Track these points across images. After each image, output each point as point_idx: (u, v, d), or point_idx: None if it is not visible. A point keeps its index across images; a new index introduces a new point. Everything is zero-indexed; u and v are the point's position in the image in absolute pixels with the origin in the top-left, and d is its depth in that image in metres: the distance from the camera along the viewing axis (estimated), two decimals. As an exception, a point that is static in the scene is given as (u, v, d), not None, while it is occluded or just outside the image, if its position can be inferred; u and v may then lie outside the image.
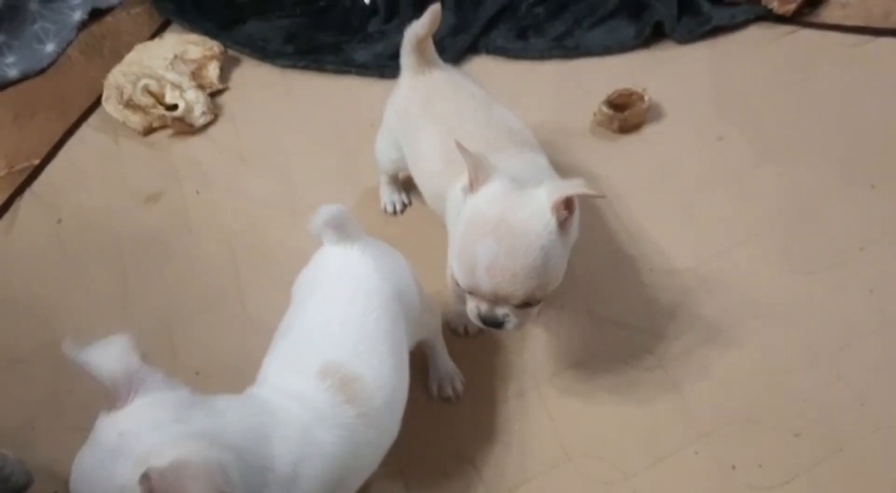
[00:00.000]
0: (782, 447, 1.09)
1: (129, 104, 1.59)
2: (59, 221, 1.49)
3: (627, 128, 1.50)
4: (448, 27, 1.73)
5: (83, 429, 0.77)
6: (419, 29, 1.17)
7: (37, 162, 1.59)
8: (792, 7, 1.65)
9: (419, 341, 1.12)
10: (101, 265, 1.40)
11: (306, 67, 1.71)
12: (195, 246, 1.42)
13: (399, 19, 1.77)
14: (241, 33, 1.78)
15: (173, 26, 1.84)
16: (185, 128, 1.59)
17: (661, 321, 1.24)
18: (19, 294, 1.38)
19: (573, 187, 0.94)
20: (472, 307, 1.00)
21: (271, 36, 1.77)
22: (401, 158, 1.27)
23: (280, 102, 1.68)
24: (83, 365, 0.74)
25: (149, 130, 1.61)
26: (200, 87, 1.64)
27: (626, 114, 1.48)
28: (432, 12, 1.15)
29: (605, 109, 1.49)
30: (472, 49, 1.70)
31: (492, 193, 0.95)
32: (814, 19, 1.69)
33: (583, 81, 1.63)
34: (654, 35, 1.68)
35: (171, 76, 1.61)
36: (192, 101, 1.59)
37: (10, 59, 1.78)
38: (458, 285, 1.16)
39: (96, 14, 1.89)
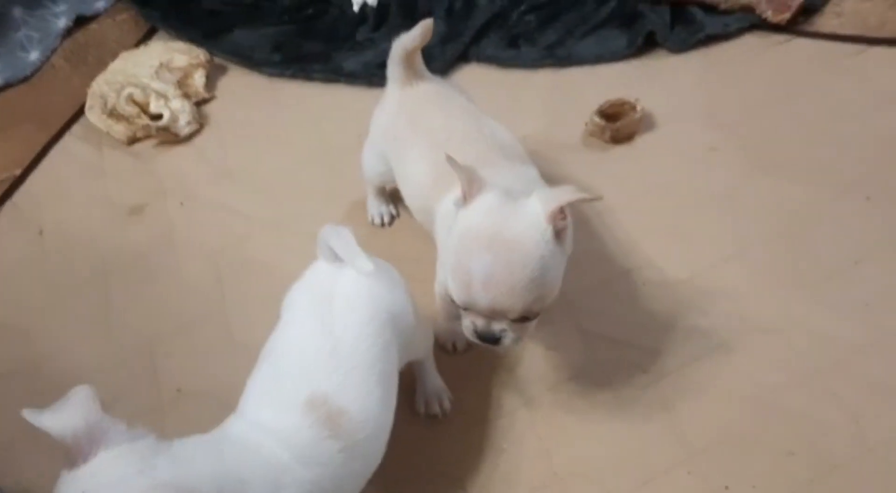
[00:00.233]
0: (776, 467, 1.07)
1: (113, 113, 1.56)
2: (40, 233, 1.46)
3: (619, 138, 1.48)
4: (438, 36, 1.70)
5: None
6: (408, 42, 1.15)
7: (18, 172, 1.56)
8: (786, 16, 1.63)
9: (413, 360, 1.10)
10: (83, 279, 1.38)
11: (293, 76, 1.69)
12: (178, 260, 1.39)
13: (388, 27, 1.75)
14: (227, 41, 1.76)
15: (159, 34, 1.82)
16: (170, 138, 1.57)
17: (652, 337, 1.21)
18: (-3, 308, 1.36)
19: (567, 194, 0.92)
20: (468, 324, 0.97)
21: (258, 44, 1.75)
22: (388, 171, 1.25)
23: (267, 111, 1.65)
24: (44, 430, 0.72)
25: (133, 140, 1.58)
26: (186, 96, 1.62)
27: (618, 124, 1.46)
28: (424, 26, 1.13)
29: (596, 120, 1.47)
30: (463, 58, 1.68)
31: (485, 205, 0.92)
32: (808, 28, 1.68)
33: (574, 91, 1.61)
34: (646, 44, 1.67)
35: (156, 85, 1.59)
36: (177, 110, 1.56)
37: (-7, 67, 1.76)
38: (447, 300, 1.14)
39: (81, 21, 1.87)
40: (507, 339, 0.96)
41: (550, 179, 1.42)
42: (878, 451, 1.07)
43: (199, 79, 1.65)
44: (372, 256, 1.01)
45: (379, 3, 1.79)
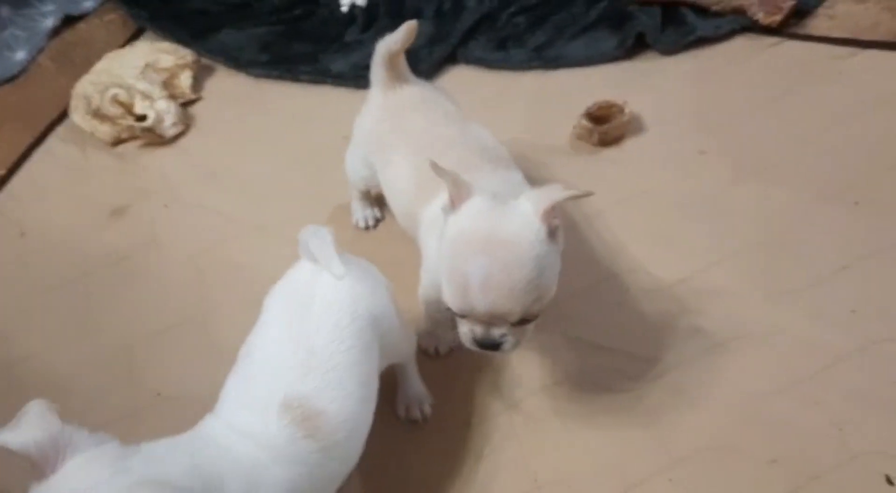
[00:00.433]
0: (758, 475, 1.05)
1: (98, 114, 1.55)
2: (23, 234, 1.45)
3: (607, 141, 1.47)
4: (426, 37, 1.69)
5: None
6: (392, 44, 1.14)
7: (2, 173, 1.55)
8: (778, 18, 1.62)
9: (391, 363, 1.08)
10: (63, 281, 1.37)
11: (280, 77, 1.68)
12: (161, 262, 1.38)
13: (377, 28, 1.74)
14: (215, 42, 1.75)
15: (146, 34, 1.81)
16: (155, 139, 1.56)
17: (636, 343, 1.20)
18: (-22, 310, 1.35)
19: (557, 193, 0.90)
20: (466, 332, 0.95)
21: (246, 45, 1.74)
22: (372, 175, 1.23)
23: (253, 112, 1.64)
24: (5, 447, 0.70)
25: (117, 141, 1.57)
26: (172, 96, 1.61)
27: (605, 127, 1.45)
28: (408, 28, 1.11)
29: (584, 122, 1.46)
30: (451, 59, 1.67)
31: (475, 209, 0.91)
32: (800, 31, 1.66)
33: (563, 93, 1.59)
34: (637, 46, 1.65)
35: (141, 85, 1.57)
36: (162, 111, 1.55)
37: (-21, 66, 1.75)
38: (431, 305, 1.13)
39: (69, 21, 1.86)
40: (508, 344, 0.94)
41: (537, 182, 1.40)
42: (860, 459, 1.05)
43: (185, 80, 1.64)
44: (355, 257, 1.00)
45: (368, 4, 1.78)
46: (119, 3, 1.85)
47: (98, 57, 1.70)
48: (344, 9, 1.79)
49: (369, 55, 1.62)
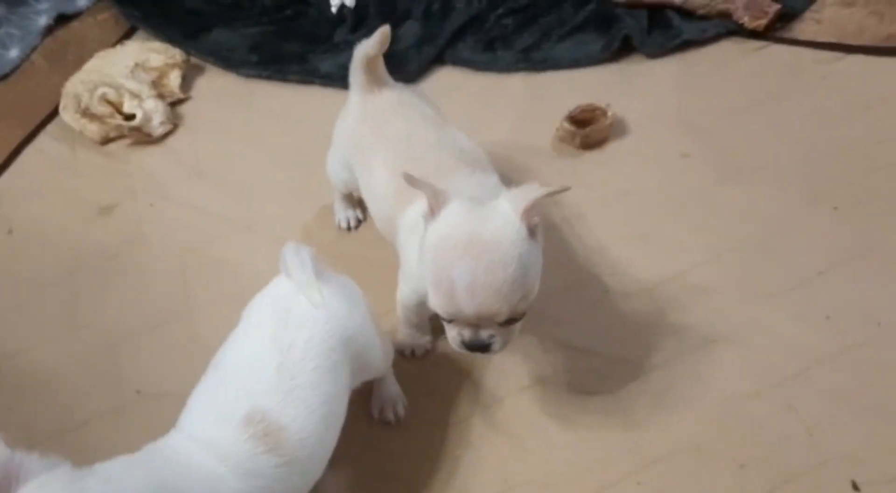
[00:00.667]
0: (727, 479, 1.06)
1: (87, 113, 1.57)
2: (10, 231, 1.47)
3: (590, 144, 1.48)
4: (414, 38, 1.71)
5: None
6: (369, 49, 1.15)
7: (-8, 170, 1.57)
8: (763, 22, 1.62)
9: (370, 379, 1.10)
10: (50, 278, 1.38)
11: (270, 77, 1.69)
12: (147, 261, 1.40)
13: (366, 29, 1.74)
14: (206, 41, 1.76)
15: (138, 33, 1.82)
16: (143, 138, 1.57)
17: (613, 345, 1.21)
18: (-35, 306, 1.37)
19: (535, 191, 0.92)
20: (455, 335, 0.96)
21: (237, 45, 1.75)
22: (352, 178, 1.24)
23: (242, 112, 1.66)
24: None
25: (106, 140, 1.59)
26: (161, 96, 1.62)
27: (587, 130, 1.46)
28: (381, 33, 1.13)
29: (566, 125, 1.46)
30: (438, 60, 1.68)
31: (454, 213, 0.93)
32: (786, 34, 1.66)
33: (549, 95, 1.60)
34: (624, 49, 1.66)
35: (130, 85, 1.59)
36: (150, 110, 1.57)
37: (-27, 64, 1.77)
38: (410, 308, 1.14)
39: (62, 19, 1.87)
40: (497, 344, 0.96)
41: (518, 183, 1.41)
42: (830, 464, 1.06)
43: (174, 79, 1.65)
44: (336, 274, 1.02)
45: (357, 5, 1.79)
46: (112, 2, 1.87)
47: (90, 55, 1.71)
48: (333, 10, 1.80)
49: (358, 56, 1.65)
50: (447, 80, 1.65)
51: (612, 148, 1.49)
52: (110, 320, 1.31)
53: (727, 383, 1.15)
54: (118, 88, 1.58)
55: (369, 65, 1.16)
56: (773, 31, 1.66)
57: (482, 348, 0.96)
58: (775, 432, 1.10)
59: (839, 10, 1.71)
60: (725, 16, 1.65)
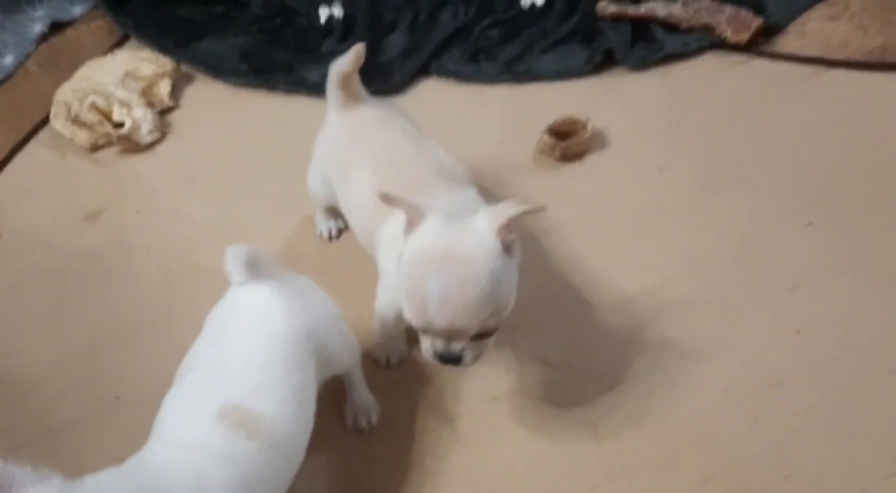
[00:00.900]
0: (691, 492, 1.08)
1: (77, 121, 1.59)
2: (-1, 236, 1.50)
3: (569, 156, 1.49)
4: (400, 49, 1.73)
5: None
6: (344, 66, 1.17)
7: (-16, 176, 1.60)
8: (746, 36, 1.63)
9: (337, 374, 1.12)
10: (36, 283, 1.41)
11: (258, 86, 1.71)
12: (130, 267, 1.42)
13: (354, 39, 1.77)
14: (197, 50, 1.78)
15: (130, 42, 1.85)
16: (131, 146, 1.60)
17: (585, 358, 1.22)
18: (-49, 309, 1.39)
19: (512, 209, 0.94)
20: (427, 347, 0.98)
21: (227, 54, 1.77)
22: (332, 193, 1.26)
23: (230, 121, 1.68)
24: None
25: (95, 147, 1.61)
26: (150, 104, 1.65)
27: (567, 142, 1.47)
28: (356, 51, 1.15)
29: (546, 138, 1.48)
30: (423, 71, 1.69)
31: (431, 228, 0.94)
32: (769, 48, 1.68)
33: (531, 107, 1.62)
34: (607, 61, 1.67)
35: (120, 93, 1.62)
36: (139, 119, 1.59)
37: (-32, 70, 1.80)
38: (387, 319, 1.16)
39: (57, 26, 1.90)
40: (468, 358, 0.98)
41: (498, 195, 1.45)
42: (794, 479, 1.07)
43: (164, 88, 1.68)
44: (296, 274, 1.05)
45: (345, 15, 1.81)
46: (106, 9, 1.89)
47: (83, 63, 1.74)
48: (322, 20, 1.82)
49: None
50: (431, 91, 1.67)
51: (592, 160, 1.51)
52: (93, 325, 1.34)
53: (696, 397, 1.17)
54: (108, 97, 1.61)
55: (345, 82, 1.18)
56: (757, 44, 1.67)
57: (453, 360, 0.98)
58: (742, 446, 1.11)
59: (824, 23, 1.72)
60: (709, 29, 1.66)
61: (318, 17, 1.83)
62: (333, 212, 1.42)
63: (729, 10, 1.65)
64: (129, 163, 1.61)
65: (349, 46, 1.72)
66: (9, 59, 1.83)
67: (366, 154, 1.17)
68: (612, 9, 1.72)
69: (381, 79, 1.66)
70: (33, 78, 1.81)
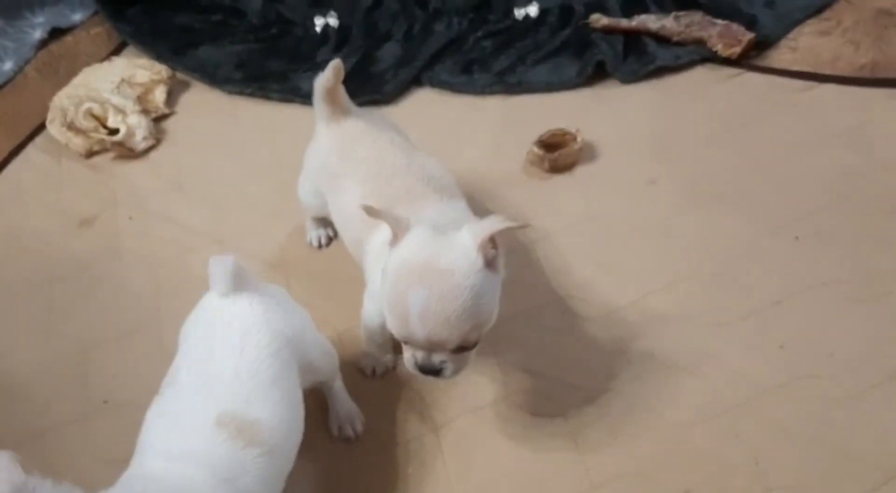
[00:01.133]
0: (670, 505, 1.08)
1: (72, 127, 1.61)
2: (-7, 240, 1.51)
3: (558, 168, 1.50)
4: (394, 59, 1.74)
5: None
6: (324, 81, 1.18)
7: (-20, 180, 1.61)
8: (737, 50, 1.64)
9: (316, 383, 1.13)
10: (28, 287, 1.42)
11: (252, 95, 1.73)
12: (121, 273, 1.43)
13: (349, 48, 1.79)
14: (193, 58, 1.80)
15: (128, 49, 1.87)
16: (126, 152, 1.61)
17: (567, 370, 1.23)
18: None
19: (496, 224, 0.95)
20: (409, 357, 0.99)
21: (222, 62, 1.79)
22: (323, 204, 1.28)
23: (224, 129, 1.69)
24: None
25: (91, 153, 1.63)
26: (145, 111, 1.66)
27: (556, 154, 1.48)
28: (333, 66, 1.16)
29: (535, 149, 1.49)
30: (416, 82, 1.71)
31: (415, 241, 0.96)
32: (761, 62, 1.68)
33: (522, 118, 1.63)
34: (599, 73, 1.68)
35: (115, 100, 1.63)
36: (133, 125, 1.61)
37: (-33, 75, 1.82)
38: (373, 328, 1.17)
39: (57, 33, 1.92)
40: (448, 370, 0.99)
41: (487, 206, 1.46)
42: (773, 493, 1.08)
43: (159, 95, 1.70)
44: (272, 285, 1.07)
45: (340, 25, 1.83)
46: (105, 16, 1.91)
47: (82, 69, 1.76)
48: (317, 29, 1.84)
49: (339, 75, 1.68)
50: (424, 102, 1.68)
51: (581, 172, 1.52)
52: (82, 330, 1.35)
53: (677, 409, 1.17)
54: (103, 103, 1.63)
55: (330, 95, 1.19)
56: (749, 58, 1.67)
57: (434, 372, 0.99)
58: (721, 459, 1.12)
59: (816, 38, 1.73)
60: (700, 43, 1.67)
61: (313, 27, 1.84)
62: (323, 221, 1.43)
63: (720, 24, 1.66)
64: (124, 169, 1.62)
65: (344, 56, 1.77)
66: (8, 65, 1.85)
67: (356, 165, 1.18)
68: (605, 21, 1.73)
69: (374, 88, 1.67)
70: (32, 84, 1.82)
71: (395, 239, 0.98)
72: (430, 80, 1.70)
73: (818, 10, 1.76)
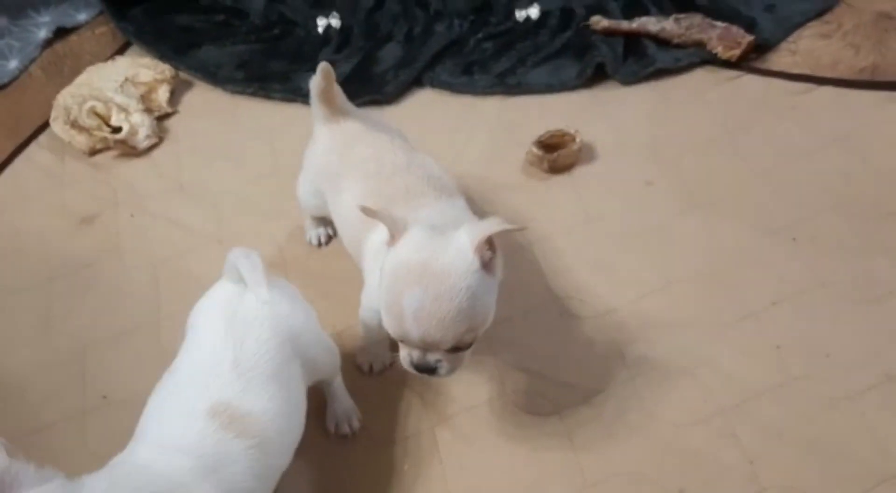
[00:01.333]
0: (664, 504, 1.09)
1: (75, 125, 1.62)
2: (-5, 237, 1.53)
3: (557, 168, 1.51)
4: (395, 60, 1.75)
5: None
6: (318, 85, 1.19)
7: (-16, 178, 1.63)
8: (736, 53, 1.64)
9: (317, 381, 1.14)
10: (29, 283, 1.43)
11: (254, 94, 1.74)
12: (121, 271, 1.44)
13: (350, 49, 1.80)
14: (195, 58, 1.81)
15: (131, 49, 1.88)
16: (128, 150, 1.63)
17: (563, 369, 1.23)
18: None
19: (493, 226, 0.95)
20: (405, 355, 1.00)
21: (225, 61, 1.80)
22: (322, 204, 1.28)
23: (225, 128, 1.70)
24: None
25: (94, 151, 1.64)
26: (148, 110, 1.68)
27: (555, 155, 1.49)
28: (322, 70, 1.17)
29: (534, 150, 1.50)
30: (417, 82, 1.71)
31: (412, 242, 0.96)
32: (760, 65, 1.69)
33: (521, 119, 1.63)
34: (599, 75, 1.69)
35: (118, 99, 1.65)
36: (136, 124, 1.62)
37: (-28, 73, 1.83)
38: (371, 325, 1.18)
39: (62, 32, 1.94)
40: (443, 369, 1.00)
41: (487, 207, 1.47)
42: (767, 494, 1.08)
43: (163, 94, 1.71)
44: (279, 278, 1.07)
45: (342, 26, 1.84)
46: (109, 16, 1.93)
47: (86, 68, 1.77)
48: (319, 30, 1.85)
49: (340, 75, 1.68)
50: (424, 102, 1.69)
51: (580, 173, 1.52)
52: (82, 327, 1.36)
53: (673, 410, 1.18)
54: (106, 102, 1.64)
55: (325, 97, 1.20)
56: (748, 61, 1.68)
57: (429, 370, 1.00)
58: (716, 460, 1.12)
59: (816, 41, 1.73)
60: (700, 45, 1.68)
61: (315, 28, 1.85)
62: (323, 220, 1.44)
63: (720, 26, 1.66)
64: (126, 167, 1.63)
65: (345, 56, 1.78)
66: (14, 64, 1.86)
67: (356, 163, 1.19)
68: (605, 23, 1.74)
69: (375, 89, 1.68)
70: (36, 82, 1.84)
71: (393, 240, 0.98)
72: (431, 81, 1.71)
73: (818, 14, 1.77)
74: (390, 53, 1.76)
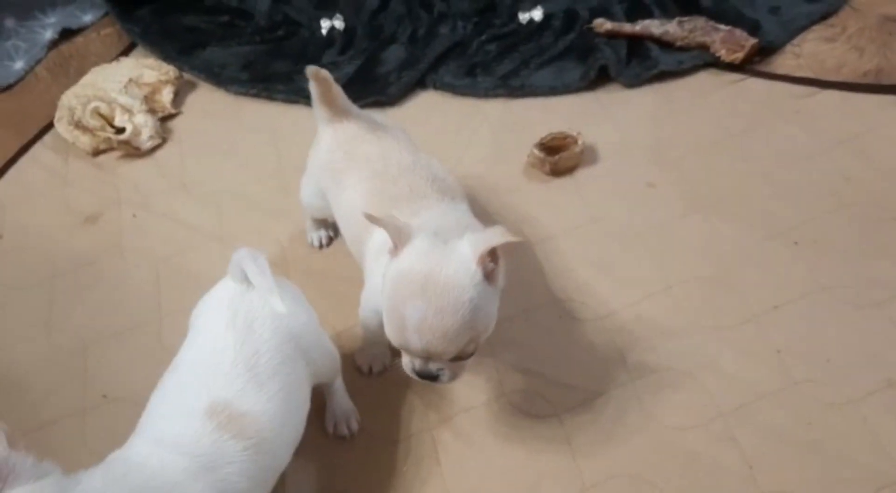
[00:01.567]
0: (663, 508, 1.08)
1: (79, 125, 1.63)
2: (0, 237, 1.53)
3: (559, 171, 1.51)
4: (398, 61, 1.75)
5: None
6: (313, 89, 1.19)
7: (-11, 177, 1.64)
8: (740, 56, 1.64)
9: (316, 383, 1.14)
10: (32, 282, 1.44)
11: (257, 95, 1.75)
12: (123, 270, 1.45)
13: (354, 50, 1.80)
14: (200, 59, 1.82)
15: (136, 50, 1.89)
16: (132, 151, 1.63)
17: (563, 371, 1.23)
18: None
19: (495, 238, 0.95)
20: (407, 362, 1.00)
21: (229, 62, 1.81)
22: (325, 205, 1.28)
23: (229, 129, 1.71)
24: None
25: (97, 152, 1.65)
26: (152, 111, 1.68)
27: (557, 157, 1.49)
28: (313, 75, 1.16)
29: (536, 152, 1.50)
30: (420, 84, 1.72)
31: (415, 252, 0.96)
32: (764, 68, 1.68)
33: (524, 121, 1.63)
34: (602, 77, 1.69)
35: (122, 99, 1.65)
36: (140, 124, 1.63)
37: (-22, 74, 1.85)
38: (371, 327, 1.18)
39: (68, 33, 1.95)
40: (445, 377, 1.00)
41: (489, 209, 1.47)
42: (765, 498, 1.08)
43: (166, 95, 1.72)
44: (282, 278, 1.07)
45: (346, 28, 1.85)
46: (115, 17, 1.94)
47: (91, 69, 1.78)
48: (323, 31, 1.85)
49: (344, 76, 1.70)
50: (427, 104, 1.69)
51: (582, 175, 1.52)
52: (83, 325, 1.36)
53: (672, 413, 1.17)
54: (110, 103, 1.65)
55: (326, 98, 1.20)
56: (752, 64, 1.67)
57: (431, 377, 1.00)
58: (715, 463, 1.12)
59: (820, 44, 1.73)
60: (704, 48, 1.67)
61: (319, 29, 1.86)
62: (324, 222, 1.44)
63: (724, 29, 1.66)
64: (129, 168, 1.64)
65: (349, 58, 1.79)
66: (19, 64, 1.88)
67: (361, 161, 1.19)
68: (609, 26, 1.74)
69: (378, 90, 1.69)
70: (42, 83, 1.85)
71: (396, 250, 0.98)
72: (434, 83, 1.71)
73: (823, 17, 1.77)
74: (394, 55, 1.76)
